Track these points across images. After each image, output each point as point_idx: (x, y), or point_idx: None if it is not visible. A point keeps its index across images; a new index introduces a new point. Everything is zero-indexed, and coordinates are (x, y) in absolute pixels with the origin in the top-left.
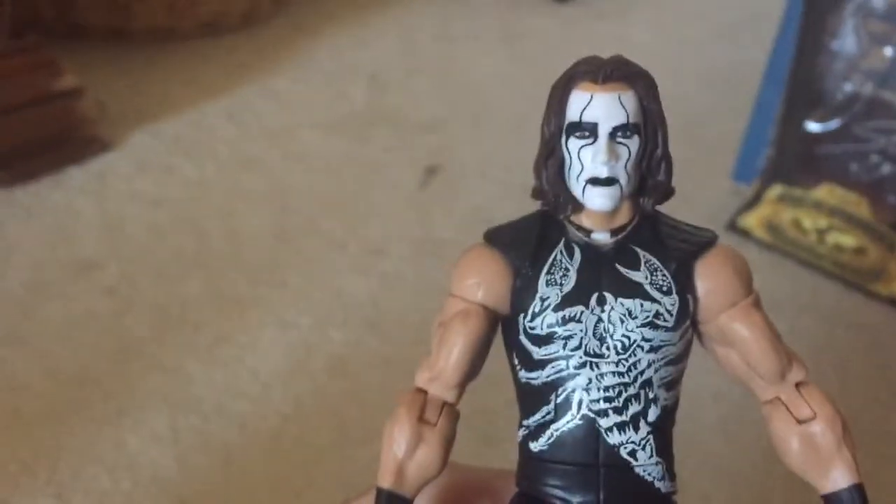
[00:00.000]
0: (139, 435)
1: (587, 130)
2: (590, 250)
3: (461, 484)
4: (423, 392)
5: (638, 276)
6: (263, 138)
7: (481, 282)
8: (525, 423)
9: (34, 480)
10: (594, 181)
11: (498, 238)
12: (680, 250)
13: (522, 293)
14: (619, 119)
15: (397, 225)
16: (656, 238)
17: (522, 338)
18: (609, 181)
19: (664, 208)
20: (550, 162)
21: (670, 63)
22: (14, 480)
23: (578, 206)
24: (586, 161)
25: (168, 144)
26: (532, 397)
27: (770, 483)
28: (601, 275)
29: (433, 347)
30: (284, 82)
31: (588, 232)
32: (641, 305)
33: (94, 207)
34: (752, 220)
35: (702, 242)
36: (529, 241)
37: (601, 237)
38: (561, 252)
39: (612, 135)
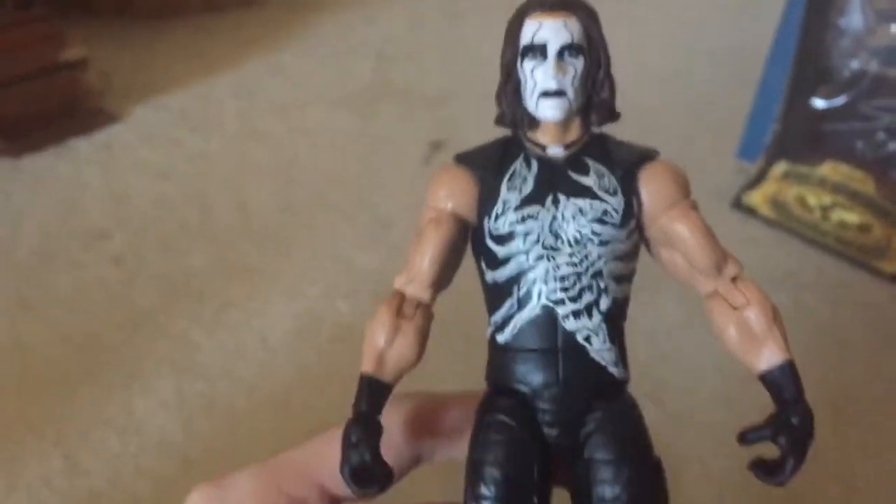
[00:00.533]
0: (146, 400)
1: (538, 51)
2: (545, 162)
3: (433, 402)
4: (401, 293)
5: (587, 181)
6: (270, 113)
7: (451, 193)
8: (493, 319)
9: (42, 441)
10: (545, 94)
11: (465, 158)
12: (625, 160)
13: (487, 200)
14: (565, 39)
15: (403, 198)
16: (604, 152)
17: (488, 240)
18: (558, 93)
19: None
20: (509, 86)
21: (675, 41)
22: (23, 440)
23: (534, 122)
24: (538, 78)
25: (174, 118)
26: (498, 293)
27: (772, 453)
28: (556, 180)
29: (409, 255)
30: (291, 58)
31: (544, 147)
32: (591, 204)
33: (100, 178)
34: (757, 198)
35: (645, 154)
36: (493, 158)
37: (555, 151)
38: (520, 163)
39: (560, 54)
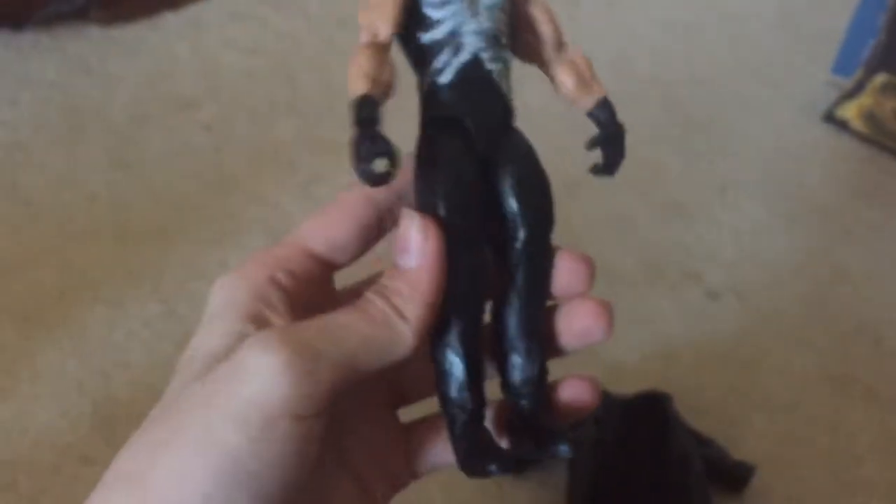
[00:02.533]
0: (240, 257)
1: None
2: None
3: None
4: (374, 42)
5: None
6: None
7: None
8: (433, 66)
9: (141, 289)
10: None
11: None
12: None
13: None
14: None
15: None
16: None
17: (425, 7)
18: None
19: (762, 98)
20: None
21: None
22: (124, 286)
23: None
24: None
25: None
26: (434, 47)
27: (854, 353)
28: None
29: (363, 22)
30: None
31: None
32: None
33: (190, 51)
34: (851, 110)
35: None
36: None
37: None
38: None
39: None
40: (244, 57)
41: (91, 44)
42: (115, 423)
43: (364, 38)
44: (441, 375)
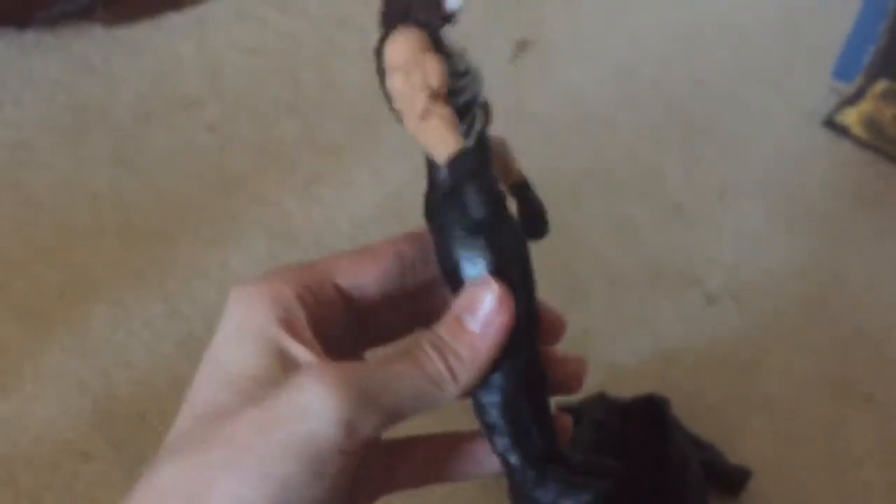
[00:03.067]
0: (242, 257)
1: None
2: None
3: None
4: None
5: None
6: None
7: (422, 46)
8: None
9: (145, 288)
10: None
11: (397, 12)
12: None
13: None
14: None
15: (488, 93)
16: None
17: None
18: None
19: (763, 103)
20: None
21: None
22: (126, 285)
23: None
24: None
25: None
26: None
27: (854, 357)
28: None
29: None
30: None
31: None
32: None
33: (194, 51)
34: (851, 116)
35: None
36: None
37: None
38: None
39: None
40: (247, 57)
41: (95, 43)
42: (114, 420)
43: (420, 100)
44: (485, 427)
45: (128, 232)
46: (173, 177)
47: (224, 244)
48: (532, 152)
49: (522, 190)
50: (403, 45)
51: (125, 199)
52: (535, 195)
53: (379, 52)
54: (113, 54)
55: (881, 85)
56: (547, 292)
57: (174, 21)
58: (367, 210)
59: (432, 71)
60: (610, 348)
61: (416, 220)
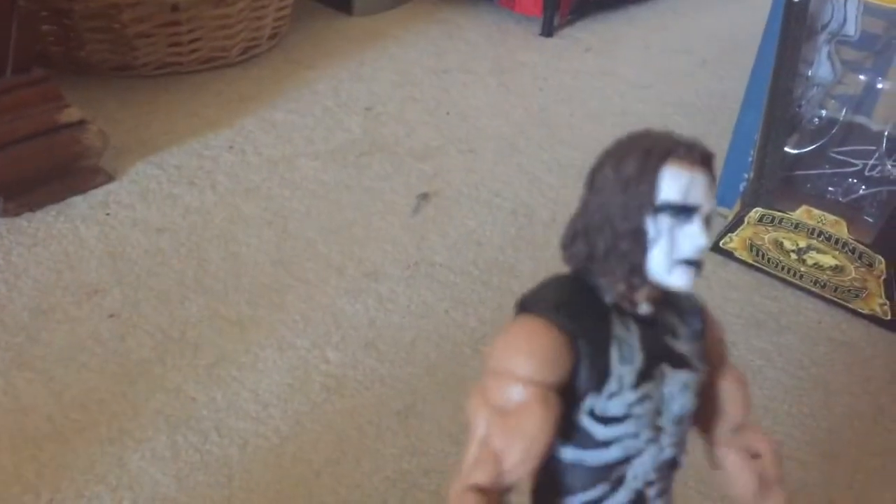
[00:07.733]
0: (141, 454)
1: (683, 211)
2: (640, 323)
3: None
4: (485, 494)
5: (682, 347)
6: (263, 167)
7: (547, 359)
8: (572, 499)
9: (37, 500)
10: (688, 262)
11: (541, 306)
12: (692, 308)
13: (591, 372)
14: (713, 203)
15: (392, 249)
16: (666, 300)
17: (584, 418)
18: (699, 263)
19: None
20: (626, 238)
21: (654, 94)
22: (19, 499)
23: (648, 282)
24: (681, 242)
25: (170, 174)
26: (585, 475)
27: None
28: (656, 349)
29: (493, 435)
30: (283, 114)
31: (635, 304)
32: (692, 377)
33: (97, 235)
34: (735, 242)
35: (697, 298)
36: (578, 309)
37: (645, 309)
38: (619, 326)
39: (706, 219)
40: (151, 236)
41: None
42: None
43: (485, 471)
44: None
45: (20, 439)
46: (71, 373)
47: (122, 442)
48: (434, 303)
49: None
50: (526, 356)
51: (20, 404)
52: None
53: None
54: (13, 246)
55: (757, 212)
56: None
57: (78, 205)
58: (271, 385)
59: (518, 458)
60: None
61: (315, 390)
